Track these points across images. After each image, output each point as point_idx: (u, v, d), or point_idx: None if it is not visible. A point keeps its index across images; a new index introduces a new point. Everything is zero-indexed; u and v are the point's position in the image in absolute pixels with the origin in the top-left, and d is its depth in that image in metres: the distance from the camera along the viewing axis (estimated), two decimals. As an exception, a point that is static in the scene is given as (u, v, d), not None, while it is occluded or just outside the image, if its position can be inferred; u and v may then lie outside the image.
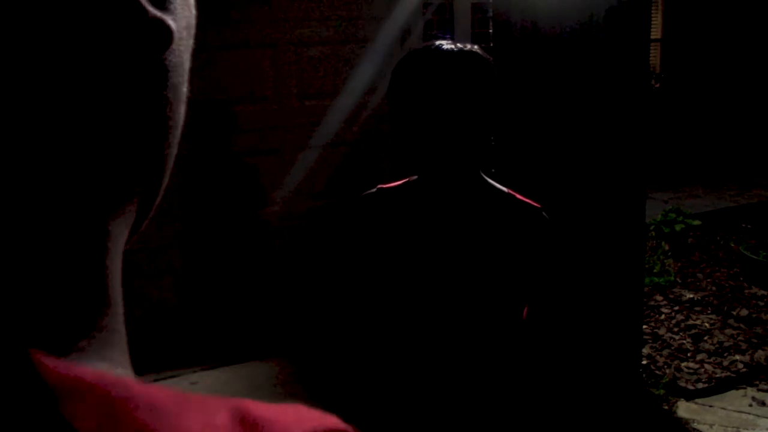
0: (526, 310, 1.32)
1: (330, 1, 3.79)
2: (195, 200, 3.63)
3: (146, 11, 0.29)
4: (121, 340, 0.30)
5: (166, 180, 0.36)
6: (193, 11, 0.35)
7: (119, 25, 0.28)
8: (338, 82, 3.85)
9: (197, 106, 3.49)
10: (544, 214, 1.30)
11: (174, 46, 0.32)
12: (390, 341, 1.35)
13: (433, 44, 1.20)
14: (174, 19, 0.31)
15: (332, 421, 0.28)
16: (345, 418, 0.30)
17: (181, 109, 0.35)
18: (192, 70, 0.36)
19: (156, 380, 3.17)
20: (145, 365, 3.25)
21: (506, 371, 1.32)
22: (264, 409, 0.27)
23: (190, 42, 0.35)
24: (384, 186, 1.36)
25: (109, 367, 0.28)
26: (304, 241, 3.81)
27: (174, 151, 0.36)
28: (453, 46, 1.18)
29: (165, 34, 0.30)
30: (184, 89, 0.35)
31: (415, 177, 1.32)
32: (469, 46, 1.20)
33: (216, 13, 3.47)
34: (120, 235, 0.31)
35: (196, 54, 0.37)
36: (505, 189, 1.31)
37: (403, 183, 1.34)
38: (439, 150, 1.19)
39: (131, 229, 0.34)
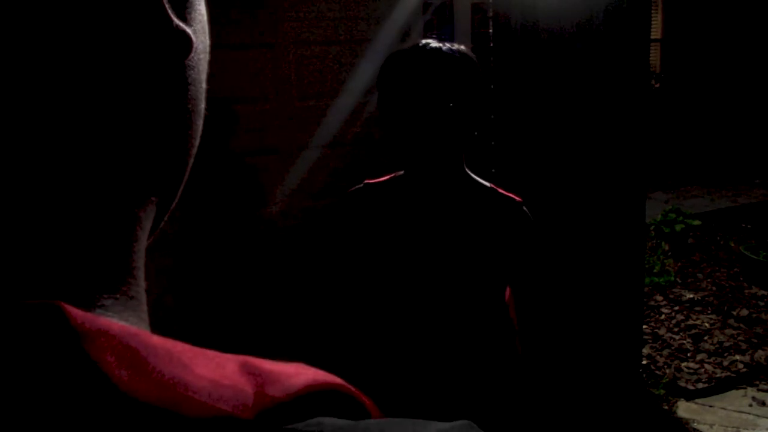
0: (508, 293, 1.35)
1: (330, 1, 3.79)
2: (194, 200, 3.63)
3: (171, 21, 0.32)
4: (142, 308, 0.33)
5: (183, 184, 0.40)
6: (208, 39, 0.38)
7: (148, 32, 0.31)
8: (338, 82, 3.85)
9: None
10: (524, 208, 1.34)
11: (194, 61, 0.35)
12: (377, 330, 1.37)
13: (419, 42, 1.23)
14: (195, 35, 0.34)
15: (331, 377, 0.31)
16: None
17: (200, 123, 0.38)
18: None
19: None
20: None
21: (490, 360, 1.35)
22: (268, 364, 0.30)
23: (206, 65, 0.38)
24: (370, 181, 1.41)
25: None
26: (304, 241, 3.81)
27: (192, 160, 0.39)
28: (439, 45, 1.22)
29: (186, 44, 0.33)
30: (202, 106, 0.38)
31: (401, 172, 1.36)
32: (455, 46, 1.24)
33: (215, 12, 3.47)
34: (146, 222, 0.35)
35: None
36: (487, 183, 1.36)
37: (389, 178, 1.38)
38: (422, 145, 1.23)
39: (154, 222, 0.38)
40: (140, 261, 0.34)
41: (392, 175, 1.38)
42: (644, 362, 3.34)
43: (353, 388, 0.31)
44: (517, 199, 1.34)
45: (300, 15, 3.74)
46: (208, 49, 0.38)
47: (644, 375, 3.24)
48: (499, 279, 1.32)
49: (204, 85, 0.38)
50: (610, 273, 2.85)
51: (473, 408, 1.33)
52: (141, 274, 0.34)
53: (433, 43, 1.22)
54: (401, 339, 1.34)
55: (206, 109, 0.43)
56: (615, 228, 2.82)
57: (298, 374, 0.30)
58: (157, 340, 0.28)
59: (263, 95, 3.70)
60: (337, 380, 0.31)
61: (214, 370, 0.28)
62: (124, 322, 0.30)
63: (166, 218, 0.41)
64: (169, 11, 0.31)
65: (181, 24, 0.32)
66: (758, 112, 7.65)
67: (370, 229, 1.34)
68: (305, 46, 3.78)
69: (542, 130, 2.71)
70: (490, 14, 2.75)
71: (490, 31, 2.76)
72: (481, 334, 1.33)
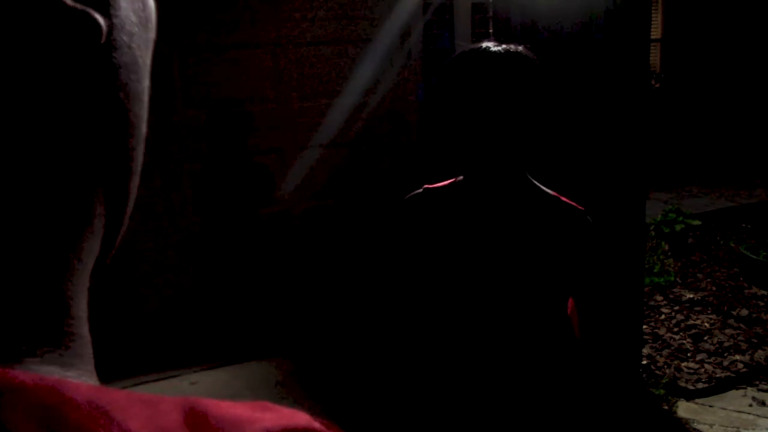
0: (570, 307, 1.32)
1: (330, 1, 3.79)
2: (195, 200, 3.63)
3: (65, 4, 0.27)
4: (79, 344, 0.29)
5: (134, 184, 0.34)
6: (149, 5, 0.34)
7: (35, 18, 0.26)
8: (338, 82, 3.85)
9: (199, 106, 3.49)
10: (588, 217, 1.30)
11: (119, 43, 0.30)
12: (437, 337, 1.35)
13: (481, 46, 1.20)
14: (115, 14, 0.30)
15: (298, 419, 0.27)
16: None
17: (140, 109, 0.33)
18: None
19: (157, 380, 3.17)
20: (145, 365, 3.26)
21: (547, 370, 1.33)
22: (223, 408, 0.26)
23: (148, 38, 0.33)
24: (430, 186, 1.37)
25: (61, 371, 0.27)
26: (305, 241, 3.81)
27: (139, 151, 0.34)
28: (500, 48, 1.19)
29: (91, 27, 0.28)
30: (142, 87, 0.33)
31: (461, 177, 1.33)
32: (514, 48, 1.20)
33: (215, 13, 3.47)
34: (86, 242, 0.30)
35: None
36: (550, 191, 1.32)
37: (449, 183, 1.35)
38: (485, 151, 1.20)
39: (106, 238, 0.33)
40: (79, 287, 0.30)
41: (452, 180, 1.35)
42: (644, 362, 3.34)
43: (321, 427, 0.27)
44: (580, 208, 1.31)
45: (300, 15, 3.74)
46: (150, 17, 0.33)
47: (644, 375, 3.24)
48: (560, 290, 1.29)
49: (144, 62, 0.33)
50: (610, 273, 2.85)
51: (529, 422, 1.31)
52: (80, 305, 0.30)
53: (494, 46, 1.19)
54: (458, 345, 1.32)
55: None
56: (615, 228, 2.82)
57: (254, 421, 0.26)
58: (83, 391, 0.24)
59: (264, 95, 3.70)
60: (301, 422, 0.27)
61: (151, 422, 0.24)
62: (55, 366, 0.27)
63: (122, 232, 0.35)
64: None
65: (78, 5, 0.28)
66: (758, 113, 7.65)
67: (430, 234, 1.32)
68: (305, 46, 3.78)
69: (541, 130, 2.71)
70: (490, 14, 2.75)
71: (490, 31, 2.76)
72: (542, 345, 1.30)
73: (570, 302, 1.34)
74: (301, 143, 3.80)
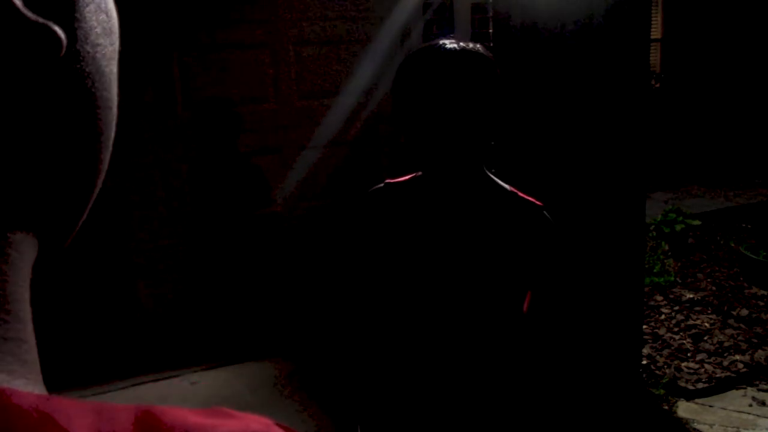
0: (526, 303, 1.33)
1: (330, 1, 3.79)
2: (194, 200, 3.63)
3: (24, 17, 0.27)
4: (23, 348, 0.28)
5: (95, 190, 0.35)
6: (113, 16, 0.34)
7: None
8: (338, 82, 3.85)
9: (199, 106, 3.49)
10: (545, 212, 1.31)
11: (84, 53, 0.31)
12: (391, 334, 1.36)
13: (436, 43, 1.21)
14: (79, 26, 0.30)
15: (255, 425, 0.27)
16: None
17: (107, 117, 0.34)
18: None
19: (157, 380, 3.17)
20: (146, 365, 3.26)
21: (506, 366, 1.33)
22: (178, 413, 0.26)
23: (112, 48, 0.34)
24: (391, 181, 1.38)
25: (5, 378, 0.26)
26: (304, 241, 3.81)
27: (105, 157, 0.34)
28: (455, 45, 1.20)
29: (50, 41, 0.28)
30: (109, 95, 0.34)
31: (421, 173, 1.34)
32: (471, 45, 1.21)
33: (215, 13, 3.47)
34: (26, 245, 0.30)
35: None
36: (507, 187, 1.33)
37: (410, 178, 1.37)
38: (441, 147, 1.21)
39: (53, 240, 0.33)
40: (18, 291, 0.29)
41: (413, 175, 1.36)
42: (644, 362, 3.34)
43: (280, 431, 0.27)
44: (538, 203, 1.32)
45: (300, 15, 3.74)
46: (113, 28, 0.34)
47: (644, 375, 3.24)
48: (517, 285, 1.30)
49: (110, 71, 0.34)
50: (610, 273, 2.85)
51: (483, 418, 1.32)
52: (22, 306, 0.29)
53: (450, 44, 1.20)
54: (414, 343, 1.33)
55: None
56: (615, 228, 2.82)
57: (209, 427, 0.25)
58: (30, 399, 0.24)
59: (264, 95, 3.70)
60: (259, 427, 0.27)
61: (99, 426, 0.24)
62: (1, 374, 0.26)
63: (71, 236, 0.35)
64: (20, 6, 0.27)
65: (40, 18, 0.28)
66: (758, 112, 7.65)
67: (389, 229, 1.33)
68: (305, 46, 3.78)
69: (542, 130, 2.71)
70: (490, 14, 2.75)
71: (490, 31, 2.76)
72: (497, 340, 1.31)
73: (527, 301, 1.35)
74: (300, 143, 3.80)
